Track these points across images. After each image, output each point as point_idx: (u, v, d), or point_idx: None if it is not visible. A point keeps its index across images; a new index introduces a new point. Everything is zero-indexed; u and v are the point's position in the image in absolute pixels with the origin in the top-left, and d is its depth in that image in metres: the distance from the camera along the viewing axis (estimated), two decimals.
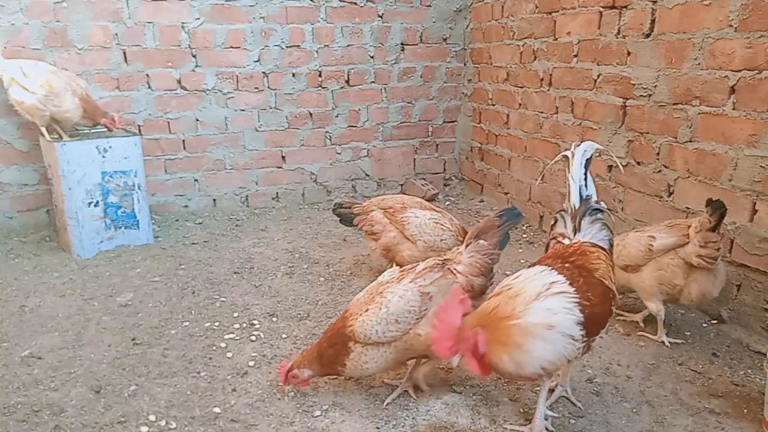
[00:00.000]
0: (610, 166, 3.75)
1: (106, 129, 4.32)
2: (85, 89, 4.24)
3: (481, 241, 2.54)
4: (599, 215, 2.31)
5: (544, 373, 1.94)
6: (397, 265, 3.01)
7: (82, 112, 4.14)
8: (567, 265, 2.08)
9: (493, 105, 5.36)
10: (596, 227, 2.28)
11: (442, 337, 1.78)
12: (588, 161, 2.39)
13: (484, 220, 2.66)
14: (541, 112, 4.61)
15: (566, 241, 2.28)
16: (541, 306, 1.86)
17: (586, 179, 2.38)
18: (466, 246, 2.54)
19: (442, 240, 3.45)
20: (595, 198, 2.36)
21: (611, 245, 2.32)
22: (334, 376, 2.49)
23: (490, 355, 1.80)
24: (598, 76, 3.89)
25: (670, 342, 2.91)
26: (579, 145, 2.43)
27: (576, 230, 2.28)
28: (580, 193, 2.34)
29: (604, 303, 2.02)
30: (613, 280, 2.15)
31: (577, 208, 2.32)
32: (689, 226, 2.80)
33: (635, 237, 2.97)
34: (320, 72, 5.35)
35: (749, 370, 2.67)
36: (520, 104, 4.92)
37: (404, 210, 3.54)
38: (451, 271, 2.39)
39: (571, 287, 1.97)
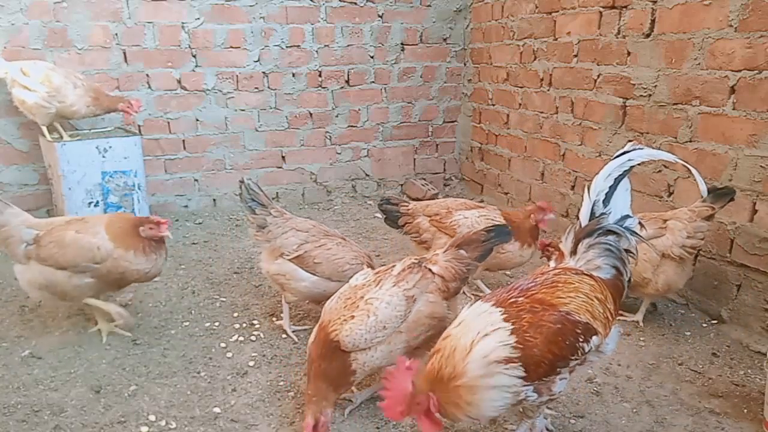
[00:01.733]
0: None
1: (124, 114, 4.29)
2: (86, 80, 4.23)
3: (461, 251, 2.46)
4: (605, 238, 2.05)
5: (504, 413, 1.87)
6: None
7: (89, 102, 4.11)
8: (522, 299, 1.89)
9: (493, 105, 5.36)
10: (594, 252, 2.04)
11: (394, 402, 1.72)
12: (625, 173, 2.11)
13: (472, 232, 2.55)
14: (541, 112, 4.61)
15: (552, 264, 2.12)
16: (476, 355, 1.73)
17: (609, 194, 2.09)
18: (445, 251, 2.47)
19: None
20: (622, 215, 2.09)
21: (617, 273, 2.06)
22: (346, 391, 2.36)
23: (443, 413, 1.77)
24: (598, 76, 3.89)
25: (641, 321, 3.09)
26: (633, 149, 2.14)
27: (572, 252, 2.08)
28: (592, 210, 2.09)
29: (549, 343, 1.77)
30: (593, 315, 1.90)
31: (582, 226, 2.09)
32: (665, 220, 2.93)
33: None
34: (320, 72, 5.35)
35: (749, 370, 2.67)
36: (520, 104, 4.92)
37: (450, 214, 3.38)
38: (429, 270, 2.37)
39: (507, 328, 1.78)
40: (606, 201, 2.08)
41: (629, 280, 2.11)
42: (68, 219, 2.90)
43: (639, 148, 2.13)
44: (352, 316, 2.22)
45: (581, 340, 1.84)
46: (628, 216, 2.10)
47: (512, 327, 1.77)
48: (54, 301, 2.93)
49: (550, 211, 3.29)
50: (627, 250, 2.07)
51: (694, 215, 2.84)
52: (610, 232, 2.05)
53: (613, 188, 2.09)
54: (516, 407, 1.89)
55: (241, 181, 3.01)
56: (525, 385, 1.76)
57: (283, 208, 3.11)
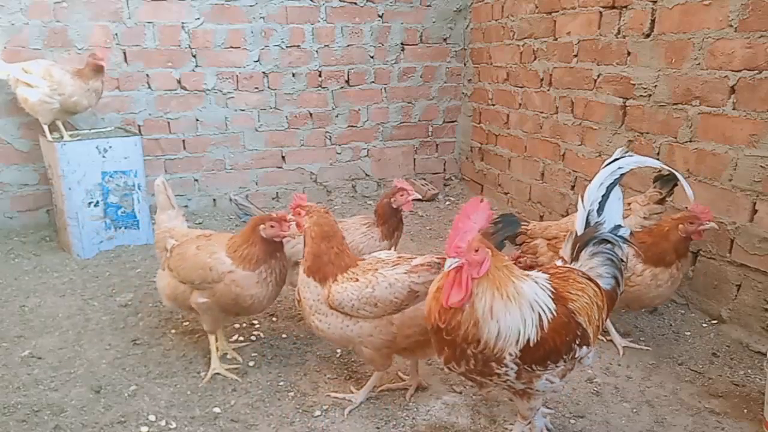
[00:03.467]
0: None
1: (94, 68, 4.15)
2: (67, 65, 4.22)
3: None
4: (606, 247, 2.06)
5: (492, 347, 1.75)
6: None
7: (80, 85, 4.08)
8: (554, 277, 1.95)
9: (493, 105, 5.36)
10: (598, 260, 2.06)
11: (458, 235, 1.70)
12: (616, 181, 2.10)
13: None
14: (541, 112, 4.61)
15: (559, 263, 2.13)
16: (527, 282, 1.81)
17: (603, 203, 2.08)
18: None
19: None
20: (615, 224, 2.09)
21: (615, 284, 2.07)
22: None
23: (477, 285, 1.72)
24: (598, 76, 3.89)
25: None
26: (623, 156, 2.13)
27: (574, 259, 2.09)
28: (587, 219, 2.08)
29: (554, 331, 1.78)
30: (590, 320, 1.91)
31: (579, 234, 2.09)
32: (628, 204, 3.09)
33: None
34: (320, 72, 5.35)
35: (749, 370, 2.67)
36: (520, 104, 4.92)
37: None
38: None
39: (551, 293, 1.86)
40: (600, 210, 2.08)
41: (621, 294, 2.12)
42: (200, 233, 2.77)
43: (629, 155, 2.13)
44: (356, 279, 2.23)
45: (577, 342, 1.86)
46: (620, 226, 2.10)
47: (553, 297, 1.84)
48: (177, 307, 2.78)
49: (709, 215, 2.65)
50: (622, 260, 2.09)
51: (647, 199, 3.10)
52: (606, 241, 2.05)
53: (605, 197, 2.08)
54: (500, 384, 1.86)
55: (230, 199, 3.08)
56: (513, 360, 1.75)
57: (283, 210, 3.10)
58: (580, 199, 2.10)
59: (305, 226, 2.33)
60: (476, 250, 1.71)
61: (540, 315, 1.77)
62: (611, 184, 2.09)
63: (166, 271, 2.70)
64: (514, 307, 1.73)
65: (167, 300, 2.72)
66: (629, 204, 3.15)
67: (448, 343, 1.77)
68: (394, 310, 2.22)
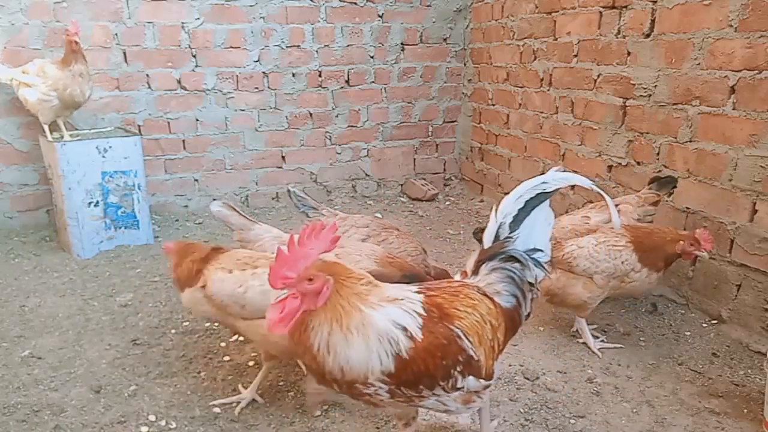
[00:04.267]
0: (610, 166, 3.75)
1: (70, 47, 4.01)
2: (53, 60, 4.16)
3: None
4: (510, 265, 1.87)
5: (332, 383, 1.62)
6: (570, 307, 2.85)
7: (66, 75, 4.01)
8: (431, 293, 1.75)
9: (493, 105, 5.36)
10: (496, 276, 1.87)
11: (287, 262, 1.52)
12: (540, 196, 1.92)
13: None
14: (541, 112, 4.61)
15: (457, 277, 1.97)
16: (389, 309, 1.59)
17: (519, 217, 1.90)
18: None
19: (623, 262, 2.74)
20: (534, 246, 1.90)
21: (516, 303, 1.87)
22: None
23: (309, 326, 1.54)
24: (598, 76, 3.89)
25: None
26: (553, 172, 2.03)
27: (474, 272, 1.91)
28: (497, 233, 1.89)
29: (428, 353, 1.59)
30: (480, 340, 1.72)
31: (485, 248, 1.90)
32: (616, 205, 3.02)
33: (569, 219, 3.25)
34: (320, 72, 5.35)
35: (749, 370, 2.67)
36: (520, 104, 4.92)
37: (561, 246, 2.87)
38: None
39: (420, 314, 1.64)
40: (514, 224, 1.89)
41: (527, 316, 1.95)
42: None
43: (561, 171, 2.05)
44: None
45: (458, 369, 1.66)
46: (539, 250, 1.92)
47: (422, 318, 1.63)
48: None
49: (710, 245, 2.70)
50: (530, 283, 1.90)
51: (642, 200, 3.18)
52: (514, 258, 1.87)
53: (524, 211, 1.90)
54: (364, 396, 1.65)
55: (288, 192, 3.13)
56: (380, 380, 1.58)
57: (283, 209, 3.14)
58: (493, 211, 1.92)
59: None
60: (310, 279, 1.52)
61: (398, 343, 1.56)
62: (532, 199, 1.91)
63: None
64: (358, 340, 1.53)
65: None
66: (618, 206, 3.10)
67: (307, 365, 1.64)
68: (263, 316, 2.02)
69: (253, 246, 2.72)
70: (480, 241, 3.06)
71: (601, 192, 2.03)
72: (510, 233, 1.89)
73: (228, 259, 2.34)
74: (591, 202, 3.69)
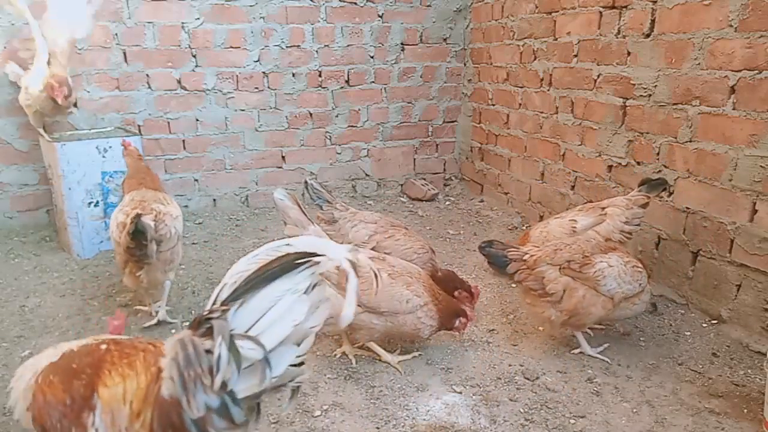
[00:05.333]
0: (610, 166, 3.75)
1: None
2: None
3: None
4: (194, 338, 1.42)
5: None
6: (579, 326, 2.77)
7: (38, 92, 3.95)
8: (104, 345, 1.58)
9: (493, 105, 5.36)
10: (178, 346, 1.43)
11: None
12: (285, 270, 1.42)
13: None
14: (541, 112, 4.61)
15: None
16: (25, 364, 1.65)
17: (250, 285, 1.43)
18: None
19: (639, 283, 2.72)
20: (253, 333, 1.41)
21: (176, 396, 1.36)
22: None
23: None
24: (598, 76, 3.89)
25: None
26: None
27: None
28: (217, 294, 1.47)
29: (41, 410, 1.46)
30: (113, 422, 1.43)
31: (205, 309, 1.48)
32: (603, 207, 3.23)
33: (557, 222, 3.34)
34: (320, 72, 5.35)
35: (749, 370, 2.67)
36: (520, 104, 4.92)
37: (591, 263, 2.67)
38: None
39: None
40: (240, 292, 1.43)
41: (198, 425, 1.37)
42: (372, 255, 2.72)
43: (305, 235, 1.97)
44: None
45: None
46: (251, 338, 1.39)
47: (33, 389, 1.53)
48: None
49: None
50: (209, 375, 1.35)
51: (631, 203, 3.16)
52: (210, 334, 1.39)
53: (259, 280, 1.42)
54: None
55: (305, 183, 3.14)
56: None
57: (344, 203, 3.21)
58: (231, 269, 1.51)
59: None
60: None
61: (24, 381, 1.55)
62: (275, 268, 1.42)
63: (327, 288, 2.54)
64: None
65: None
66: (604, 209, 3.21)
67: None
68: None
69: None
70: (488, 256, 3.08)
71: (350, 272, 1.44)
72: (227, 299, 1.44)
73: None
74: (590, 201, 3.69)
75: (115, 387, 1.43)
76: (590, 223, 3.19)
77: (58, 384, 1.47)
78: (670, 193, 3.36)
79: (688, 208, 3.25)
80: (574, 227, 3.21)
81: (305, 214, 2.65)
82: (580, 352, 2.82)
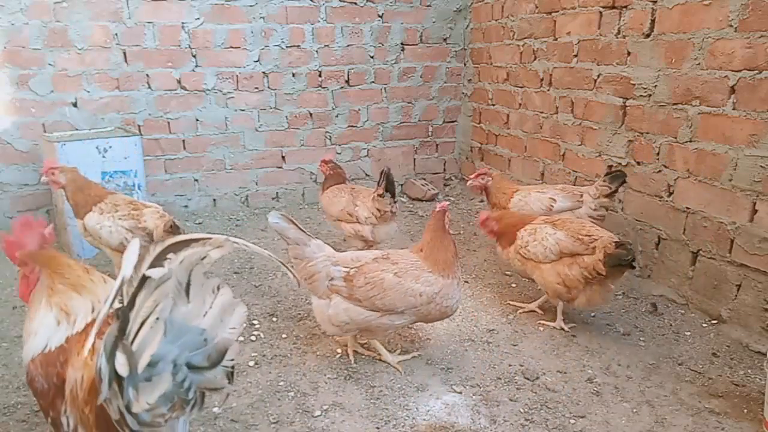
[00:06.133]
0: (610, 166, 3.74)
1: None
2: None
3: None
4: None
5: None
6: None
7: None
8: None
9: (493, 105, 5.36)
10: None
11: (15, 244, 1.79)
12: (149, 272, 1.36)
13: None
14: (541, 112, 4.61)
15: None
16: (42, 317, 1.69)
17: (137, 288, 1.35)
18: None
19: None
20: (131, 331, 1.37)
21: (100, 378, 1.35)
22: None
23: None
24: (598, 76, 3.89)
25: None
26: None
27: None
28: (112, 301, 1.34)
29: (33, 382, 1.62)
30: (74, 403, 1.52)
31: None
32: (581, 194, 3.53)
33: (537, 197, 3.61)
34: (320, 72, 5.35)
35: (749, 370, 2.67)
36: (520, 104, 4.92)
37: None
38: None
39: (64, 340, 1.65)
40: (131, 298, 1.35)
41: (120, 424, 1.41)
42: (374, 255, 2.70)
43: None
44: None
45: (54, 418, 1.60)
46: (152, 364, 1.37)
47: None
48: (343, 334, 2.72)
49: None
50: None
51: (598, 192, 3.46)
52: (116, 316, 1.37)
53: (141, 286, 1.35)
54: None
55: (383, 171, 3.59)
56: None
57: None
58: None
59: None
60: (26, 264, 1.75)
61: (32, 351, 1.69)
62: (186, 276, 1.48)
63: (337, 300, 2.58)
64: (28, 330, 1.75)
65: (333, 327, 2.62)
66: (581, 195, 3.55)
67: None
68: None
69: (305, 266, 2.63)
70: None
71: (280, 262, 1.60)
72: (123, 307, 1.36)
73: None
74: (592, 180, 3.69)
75: (83, 370, 1.55)
76: (568, 206, 3.52)
77: None
78: (670, 193, 3.36)
79: (688, 208, 3.25)
80: (552, 206, 3.54)
81: (303, 231, 2.64)
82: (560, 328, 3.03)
